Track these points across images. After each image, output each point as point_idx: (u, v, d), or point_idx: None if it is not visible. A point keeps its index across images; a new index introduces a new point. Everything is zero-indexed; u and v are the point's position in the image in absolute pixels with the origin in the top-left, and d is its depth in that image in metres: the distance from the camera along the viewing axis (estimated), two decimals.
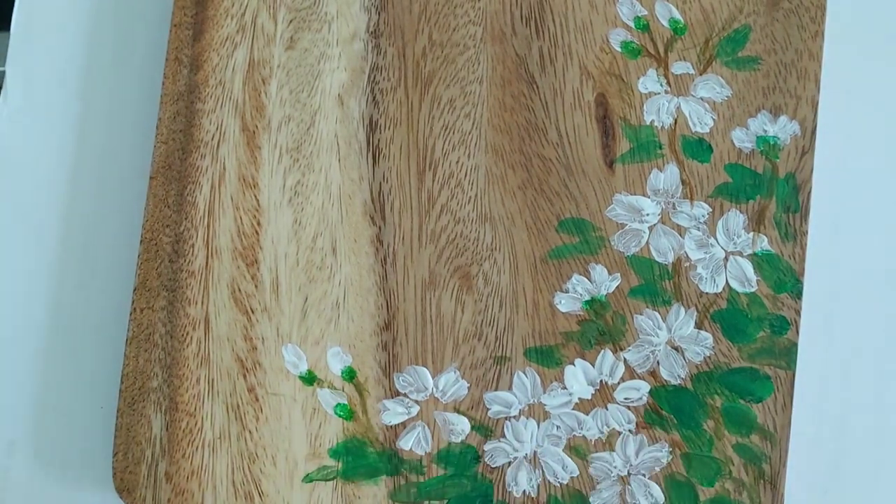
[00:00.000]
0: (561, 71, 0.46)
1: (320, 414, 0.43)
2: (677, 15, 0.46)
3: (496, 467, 0.43)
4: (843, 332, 0.46)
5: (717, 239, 0.44)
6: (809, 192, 0.45)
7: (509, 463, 0.43)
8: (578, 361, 0.44)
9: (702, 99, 0.46)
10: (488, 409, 0.43)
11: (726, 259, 0.44)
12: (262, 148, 0.45)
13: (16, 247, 0.47)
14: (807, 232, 0.44)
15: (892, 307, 0.47)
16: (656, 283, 0.44)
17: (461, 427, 0.43)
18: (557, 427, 0.43)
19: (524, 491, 0.43)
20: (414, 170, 0.45)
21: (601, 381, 0.43)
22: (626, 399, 0.43)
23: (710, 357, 0.43)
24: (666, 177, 0.45)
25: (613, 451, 0.43)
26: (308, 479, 0.43)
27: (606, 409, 0.43)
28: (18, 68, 0.49)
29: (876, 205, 0.47)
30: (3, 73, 0.49)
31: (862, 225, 0.47)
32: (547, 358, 0.44)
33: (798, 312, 0.44)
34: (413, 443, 0.43)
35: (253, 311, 0.44)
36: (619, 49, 0.46)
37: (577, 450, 0.43)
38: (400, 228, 0.45)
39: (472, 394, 0.43)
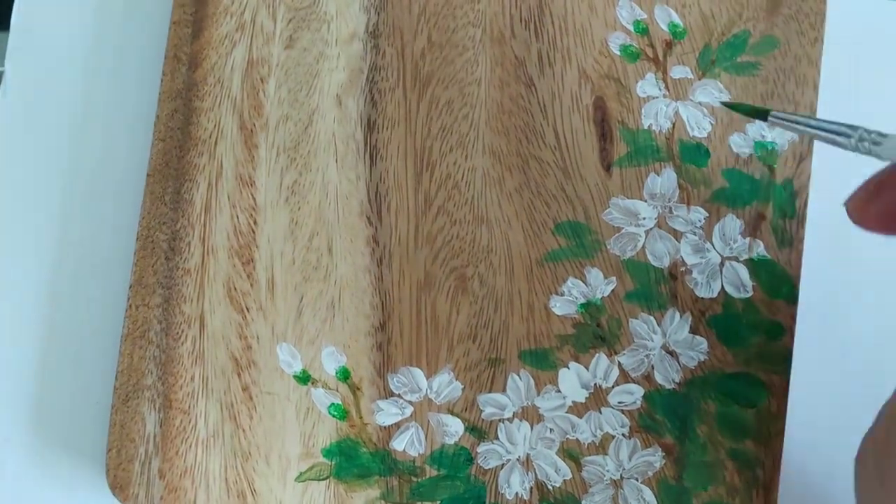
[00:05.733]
0: (559, 74, 0.46)
1: (314, 413, 0.43)
2: (677, 19, 0.46)
3: (489, 469, 0.43)
4: (838, 339, 0.46)
5: (713, 244, 0.44)
6: (806, 199, 0.45)
7: (502, 465, 0.43)
8: (573, 364, 0.44)
9: (700, 103, 0.46)
10: (482, 411, 0.43)
11: (722, 264, 0.44)
12: (260, 147, 0.45)
13: (13, 243, 0.47)
14: (803, 238, 0.44)
15: (888, 313, 0.47)
16: (652, 288, 0.44)
17: (455, 428, 0.43)
18: (551, 430, 0.43)
19: (516, 493, 0.43)
20: (411, 171, 0.45)
21: (595, 384, 0.43)
22: (619, 403, 0.43)
23: (704, 362, 0.43)
24: (663, 181, 0.45)
25: (606, 454, 0.43)
26: (301, 478, 0.43)
27: (600, 412, 0.43)
28: (17, 65, 0.49)
29: None
30: (2, 73, 0.49)
31: (859, 231, 0.47)
32: (541, 360, 0.44)
33: (793, 318, 0.44)
34: (406, 444, 0.43)
35: (248, 310, 0.44)
36: (618, 52, 0.46)
37: (571, 453, 0.43)
38: (396, 229, 0.45)
39: (465, 395, 0.43)
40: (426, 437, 0.43)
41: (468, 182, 0.45)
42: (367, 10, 0.46)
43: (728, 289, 0.44)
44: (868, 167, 0.48)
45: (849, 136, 0.33)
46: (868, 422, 0.46)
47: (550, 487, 0.43)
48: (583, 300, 0.44)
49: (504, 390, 0.43)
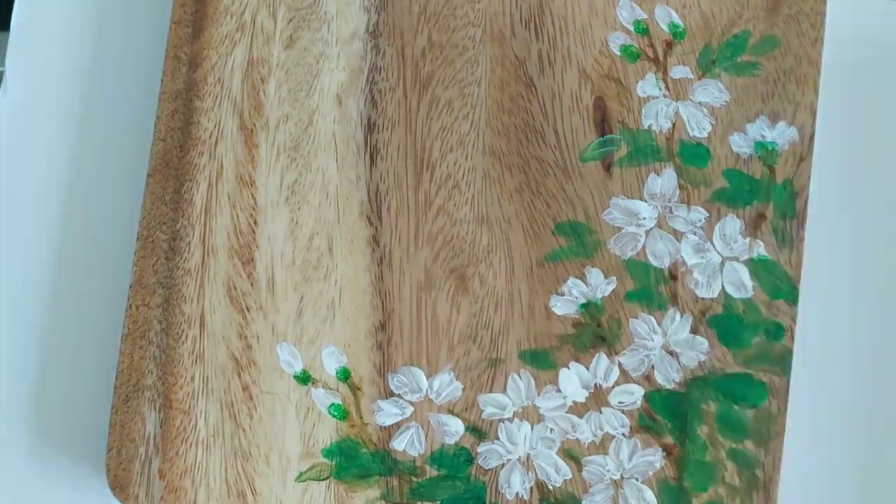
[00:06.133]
0: (560, 74, 0.46)
1: (314, 413, 0.43)
2: (677, 19, 0.46)
3: (489, 469, 0.43)
4: (838, 339, 0.46)
5: (713, 244, 0.44)
6: (807, 199, 0.45)
7: (502, 465, 0.43)
8: (573, 364, 0.44)
9: (700, 104, 0.46)
10: (482, 411, 0.43)
11: (723, 264, 0.44)
12: (260, 146, 0.45)
13: (13, 243, 0.47)
14: (803, 238, 0.44)
15: (888, 314, 0.47)
16: (652, 288, 0.44)
17: (455, 428, 0.43)
18: (551, 430, 0.43)
19: (517, 493, 0.43)
20: (411, 171, 0.45)
21: (595, 384, 0.43)
22: (620, 403, 0.43)
23: (704, 362, 0.43)
24: (663, 181, 0.45)
25: (607, 454, 0.43)
26: (301, 478, 0.43)
27: (600, 412, 0.43)
28: (18, 65, 0.49)
29: (873, 212, 0.47)
30: (3, 73, 0.49)
31: (858, 232, 0.47)
32: (541, 360, 0.44)
33: (793, 319, 0.44)
34: (406, 444, 0.43)
35: (248, 310, 0.44)
36: (619, 52, 0.46)
37: (571, 453, 0.43)
38: (396, 229, 0.45)
39: (466, 395, 0.43)
40: (426, 437, 0.43)
41: (468, 182, 0.45)
42: (367, 9, 0.46)
43: (728, 289, 0.44)
44: (867, 167, 0.48)
45: None
46: (867, 422, 0.46)
47: (551, 487, 0.43)
48: (583, 300, 0.44)
49: (504, 390, 0.43)
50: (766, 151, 0.45)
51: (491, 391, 0.43)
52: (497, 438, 0.43)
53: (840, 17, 0.47)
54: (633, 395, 0.43)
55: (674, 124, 0.45)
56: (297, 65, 0.46)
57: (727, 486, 0.42)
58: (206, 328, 0.44)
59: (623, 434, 0.43)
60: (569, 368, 0.44)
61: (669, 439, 0.43)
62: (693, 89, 0.46)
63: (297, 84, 0.46)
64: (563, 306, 0.44)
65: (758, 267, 0.44)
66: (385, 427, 0.43)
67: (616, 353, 0.44)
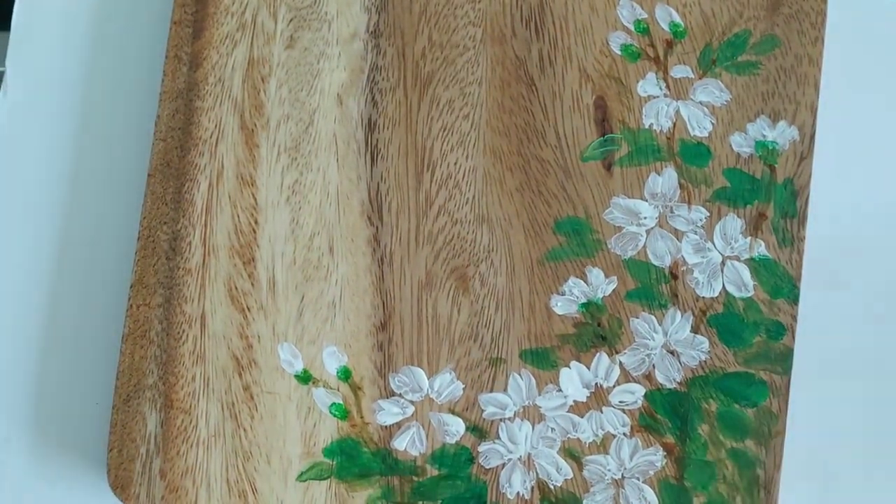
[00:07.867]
0: (560, 73, 0.46)
1: (315, 413, 0.43)
2: (678, 19, 0.46)
3: (490, 469, 0.43)
4: (839, 338, 0.46)
5: (714, 243, 0.44)
6: (807, 198, 0.45)
7: (503, 464, 0.43)
8: (574, 364, 0.44)
9: (701, 103, 0.46)
10: (483, 411, 0.43)
11: (723, 263, 0.44)
12: (261, 146, 0.45)
13: (14, 243, 0.47)
14: (804, 237, 0.44)
15: (888, 313, 0.47)
16: (653, 287, 0.44)
17: (456, 428, 0.43)
18: (552, 429, 0.43)
19: (518, 493, 0.43)
20: (412, 170, 0.45)
21: (596, 383, 0.43)
22: (621, 402, 0.43)
23: (705, 361, 0.43)
24: (664, 180, 0.45)
25: (608, 454, 0.43)
26: (302, 477, 0.43)
27: (601, 411, 0.43)
28: (18, 65, 0.49)
29: (873, 211, 0.47)
30: (3, 73, 0.49)
31: (859, 231, 0.47)
32: (542, 360, 0.44)
33: (794, 318, 0.44)
34: (407, 443, 0.43)
35: (249, 310, 0.44)
36: (619, 52, 0.46)
37: (572, 452, 0.43)
38: (397, 229, 0.45)
39: (467, 395, 0.43)
40: (427, 437, 0.43)
41: (469, 182, 0.45)
42: (367, 9, 0.46)
43: (729, 288, 0.44)
44: (867, 166, 0.48)
45: None
46: (867, 422, 0.46)
47: (552, 487, 0.43)
48: (584, 299, 0.44)
49: (505, 390, 0.43)
50: (766, 151, 0.45)
51: (492, 391, 0.43)
52: (498, 438, 0.43)
53: (840, 16, 0.47)
54: (634, 394, 0.43)
55: (674, 123, 0.45)
56: (298, 65, 0.46)
57: (728, 486, 0.42)
58: (207, 328, 0.44)
59: (624, 433, 0.43)
60: (570, 368, 0.44)
61: (670, 439, 0.43)
62: (694, 88, 0.46)
63: (298, 84, 0.46)
64: (564, 306, 0.44)
65: (758, 266, 0.44)
66: (386, 426, 0.43)
67: (617, 353, 0.44)
